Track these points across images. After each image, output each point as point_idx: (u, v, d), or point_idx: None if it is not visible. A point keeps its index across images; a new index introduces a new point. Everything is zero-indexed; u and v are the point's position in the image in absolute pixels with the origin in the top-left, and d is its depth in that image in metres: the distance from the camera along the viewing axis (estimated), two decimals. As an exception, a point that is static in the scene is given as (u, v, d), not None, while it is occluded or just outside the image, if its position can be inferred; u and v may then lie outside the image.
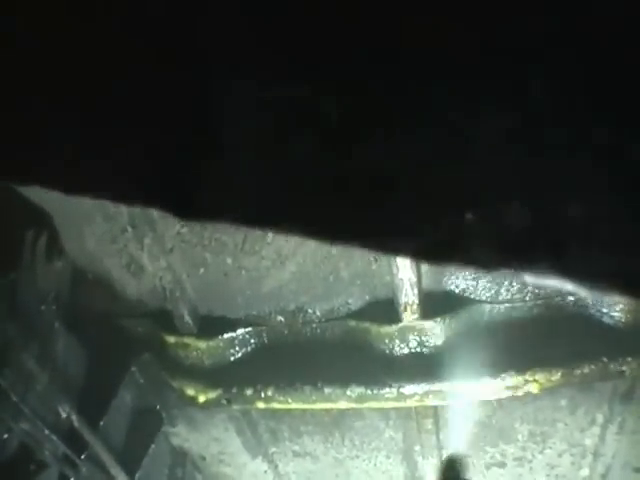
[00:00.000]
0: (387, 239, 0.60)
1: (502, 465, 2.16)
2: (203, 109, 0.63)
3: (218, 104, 0.62)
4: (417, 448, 2.11)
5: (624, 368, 1.85)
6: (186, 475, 2.43)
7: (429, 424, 2.01)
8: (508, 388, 1.83)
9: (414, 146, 0.55)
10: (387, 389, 1.88)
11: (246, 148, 0.62)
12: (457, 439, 2.06)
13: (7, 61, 0.69)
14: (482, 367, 1.83)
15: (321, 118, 0.57)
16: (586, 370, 1.83)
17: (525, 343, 1.84)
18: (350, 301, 1.89)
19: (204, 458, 2.41)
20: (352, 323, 1.89)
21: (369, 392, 1.89)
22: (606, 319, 1.83)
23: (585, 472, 2.19)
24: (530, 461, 2.15)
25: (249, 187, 0.63)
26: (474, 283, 1.82)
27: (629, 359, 1.84)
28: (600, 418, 2.01)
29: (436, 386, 1.85)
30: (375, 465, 2.22)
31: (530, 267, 0.55)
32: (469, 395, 1.85)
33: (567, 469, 2.18)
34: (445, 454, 2.10)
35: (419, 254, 0.59)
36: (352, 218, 0.62)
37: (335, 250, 1.82)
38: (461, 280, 1.81)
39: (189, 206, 0.65)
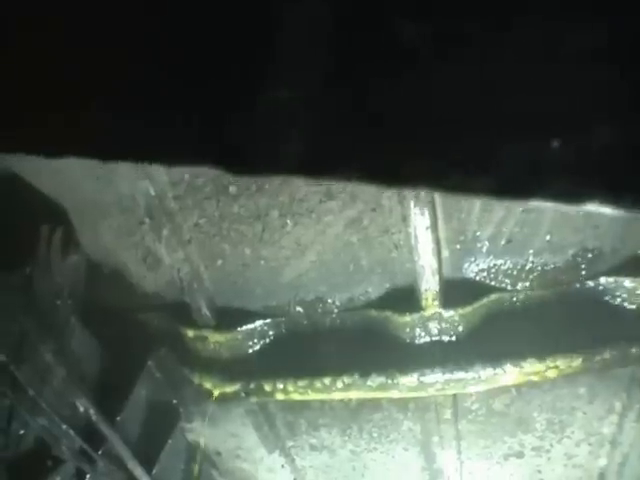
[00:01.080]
0: (465, 178, 0.59)
1: (520, 455, 2.15)
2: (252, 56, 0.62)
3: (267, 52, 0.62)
4: (435, 439, 2.10)
5: (641, 352, 1.87)
6: (202, 471, 2.42)
7: (448, 414, 2.01)
8: (529, 375, 1.83)
9: (493, 68, 0.55)
10: (408, 378, 1.88)
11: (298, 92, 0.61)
12: (476, 430, 2.06)
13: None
14: (503, 354, 1.84)
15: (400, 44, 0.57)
16: (607, 355, 1.83)
17: (545, 329, 1.84)
18: (370, 290, 1.89)
19: (220, 453, 2.40)
20: (372, 312, 1.89)
21: (390, 381, 1.89)
22: (626, 304, 1.85)
23: (603, 462, 2.19)
24: (548, 451, 2.15)
25: (301, 135, 0.63)
26: (495, 270, 1.83)
27: (646, 343, 1.86)
28: (618, 406, 2.01)
29: (457, 374, 1.85)
30: (393, 457, 2.21)
31: (615, 198, 0.55)
32: (490, 383, 1.85)
33: (585, 459, 2.18)
34: (464, 444, 2.11)
35: (500, 191, 0.58)
36: (422, 156, 0.61)
37: (355, 238, 1.82)
38: (482, 267, 1.82)
39: (238, 159, 0.64)
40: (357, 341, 1.93)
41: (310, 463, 2.29)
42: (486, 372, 1.84)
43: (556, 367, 1.84)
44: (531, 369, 1.83)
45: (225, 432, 2.29)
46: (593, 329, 1.84)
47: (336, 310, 1.94)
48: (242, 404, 2.12)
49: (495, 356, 1.83)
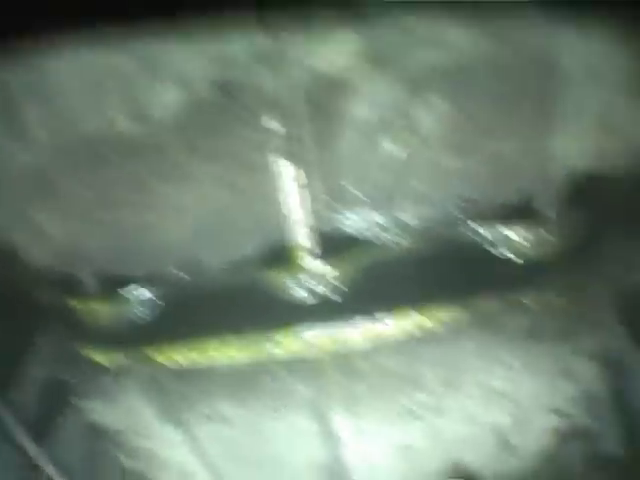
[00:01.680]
0: None
1: (414, 414, 2.14)
2: None
3: None
4: (327, 402, 2.09)
5: (524, 300, 1.88)
6: (105, 452, 2.39)
7: (337, 375, 2.01)
8: (409, 327, 1.84)
9: None
10: (287, 334, 1.88)
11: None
12: (368, 390, 2.05)
13: None
14: (381, 307, 1.84)
15: None
16: (486, 304, 1.85)
17: (423, 281, 1.85)
18: (248, 249, 1.88)
19: (121, 432, 2.37)
20: (250, 271, 1.89)
21: (269, 339, 1.90)
22: (505, 252, 1.86)
23: (499, 416, 2.18)
24: (442, 408, 2.13)
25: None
26: (369, 223, 1.83)
27: (528, 290, 1.87)
28: (508, 359, 2.02)
29: (336, 329, 1.86)
30: (289, 424, 2.20)
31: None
32: (371, 336, 1.86)
33: (480, 414, 2.17)
34: (358, 407, 2.10)
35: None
36: None
37: (230, 199, 1.82)
38: (356, 220, 1.82)
39: None
40: (237, 301, 1.93)
41: (208, 435, 2.26)
42: (366, 325, 1.85)
43: (437, 318, 1.85)
44: (411, 321, 1.84)
45: (123, 409, 2.26)
46: (471, 279, 1.85)
47: (216, 272, 1.93)
48: (135, 377, 2.10)
49: (374, 309, 1.84)
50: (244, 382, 2.08)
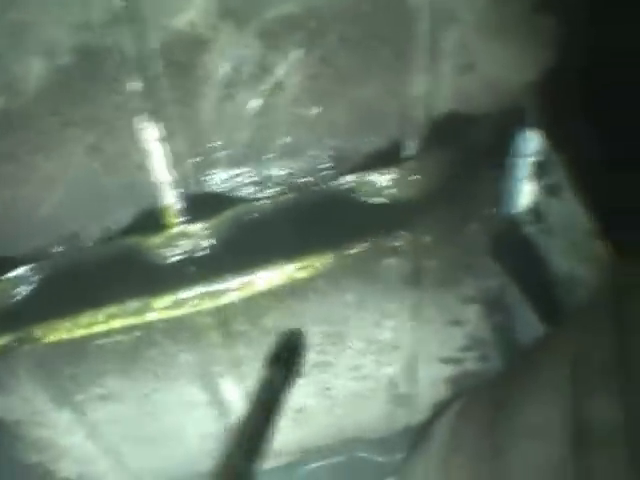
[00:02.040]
0: None
1: (304, 373, 2.14)
2: None
3: None
4: (214, 369, 2.08)
5: (397, 243, 1.89)
6: (7, 446, 2.33)
7: (219, 338, 1.99)
8: (284, 278, 1.84)
9: None
10: (164, 298, 1.86)
11: None
12: (252, 353, 2.04)
13: None
14: (253, 261, 1.84)
15: None
16: (358, 249, 1.85)
17: (294, 233, 1.85)
18: (120, 216, 1.84)
19: (19, 422, 2.31)
20: (125, 239, 1.85)
21: (150, 307, 1.87)
22: (374, 198, 1.87)
23: (391, 369, 2.19)
24: (332, 365, 2.14)
25: None
26: (237, 179, 1.83)
27: (401, 232, 1.88)
28: (391, 308, 2.03)
29: (210, 287, 1.84)
30: (178, 395, 2.17)
31: None
32: (245, 290, 1.86)
33: (371, 368, 2.18)
34: (245, 370, 2.09)
35: None
36: None
37: (98, 165, 1.79)
38: (224, 178, 1.81)
39: None
40: (115, 271, 1.89)
41: (102, 416, 2.21)
42: (242, 282, 1.84)
43: (312, 269, 1.85)
44: (287, 273, 1.84)
45: (17, 397, 2.20)
46: (342, 227, 1.85)
47: (92, 243, 1.90)
48: (24, 362, 2.05)
49: (246, 264, 1.83)
50: (130, 355, 2.04)
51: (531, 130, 1.82)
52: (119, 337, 1.98)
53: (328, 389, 2.19)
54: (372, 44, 1.69)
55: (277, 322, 1.99)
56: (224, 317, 1.96)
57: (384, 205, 1.86)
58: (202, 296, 1.84)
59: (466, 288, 2.06)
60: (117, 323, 1.90)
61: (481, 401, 1.49)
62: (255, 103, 1.72)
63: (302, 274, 1.83)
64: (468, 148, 1.86)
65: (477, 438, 1.37)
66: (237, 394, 2.16)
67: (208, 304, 1.86)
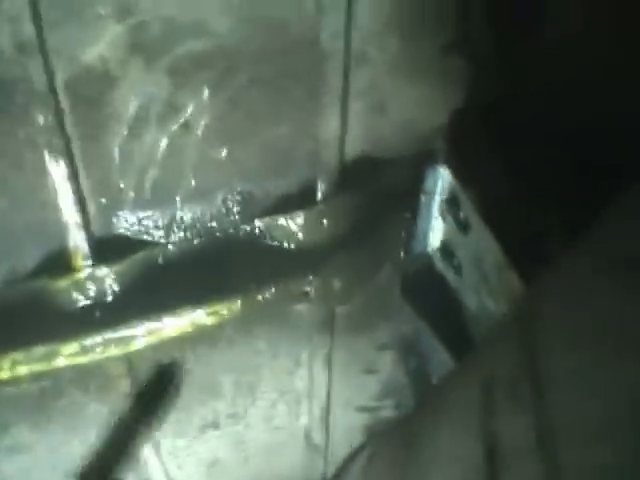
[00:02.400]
0: None
1: (216, 425, 2.06)
2: None
3: None
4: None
5: (307, 288, 1.87)
6: None
7: (127, 386, 1.93)
8: (190, 324, 1.80)
9: None
10: (70, 345, 1.79)
11: None
12: (160, 402, 1.99)
13: None
14: (159, 307, 1.79)
15: None
16: (268, 295, 1.82)
17: (202, 278, 1.82)
18: (27, 258, 1.77)
19: None
20: (30, 282, 1.78)
21: (53, 351, 1.79)
22: (283, 242, 1.86)
23: (305, 419, 2.15)
24: (244, 417, 2.08)
25: None
26: (145, 222, 1.79)
27: (310, 278, 1.86)
28: (304, 356, 2.00)
29: (116, 333, 1.77)
30: (90, 448, 2.09)
31: None
32: (151, 337, 1.80)
33: (285, 419, 2.12)
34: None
35: None
36: None
37: (4, 202, 1.74)
38: (131, 220, 1.77)
39: None
40: (23, 315, 1.80)
41: (13, 468, 2.10)
42: (146, 326, 1.77)
43: (218, 312, 1.82)
44: (193, 317, 1.79)
45: None
46: (252, 272, 1.82)
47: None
48: None
49: (153, 309, 1.77)
50: (39, 407, 1.97)
51: (441, 169, 1.85)
52: (26, 386, 1.91)
53: (241, 441, 2.14)
54: (284, 84, 1.69)
55: (186, 370, 1.94)
56: (132, 364, 1.90)
57: (294, 250, 1.84)
58: (109, 342, 1.77)
59: (380, 333, 2.04)
60: (26, 372, 1.82)
61: (392, 440, 1.47)
62: (163, 143, 1.69)
63: (211, 320, 1.79)
64: (378, 190, 1.87)
65: (389, 478, 1.35)
66: (148, 449, 2.08)
67: (115, 351, 1.79)
